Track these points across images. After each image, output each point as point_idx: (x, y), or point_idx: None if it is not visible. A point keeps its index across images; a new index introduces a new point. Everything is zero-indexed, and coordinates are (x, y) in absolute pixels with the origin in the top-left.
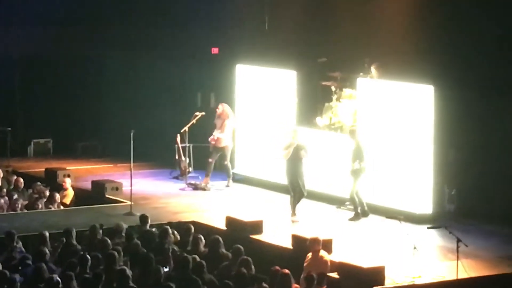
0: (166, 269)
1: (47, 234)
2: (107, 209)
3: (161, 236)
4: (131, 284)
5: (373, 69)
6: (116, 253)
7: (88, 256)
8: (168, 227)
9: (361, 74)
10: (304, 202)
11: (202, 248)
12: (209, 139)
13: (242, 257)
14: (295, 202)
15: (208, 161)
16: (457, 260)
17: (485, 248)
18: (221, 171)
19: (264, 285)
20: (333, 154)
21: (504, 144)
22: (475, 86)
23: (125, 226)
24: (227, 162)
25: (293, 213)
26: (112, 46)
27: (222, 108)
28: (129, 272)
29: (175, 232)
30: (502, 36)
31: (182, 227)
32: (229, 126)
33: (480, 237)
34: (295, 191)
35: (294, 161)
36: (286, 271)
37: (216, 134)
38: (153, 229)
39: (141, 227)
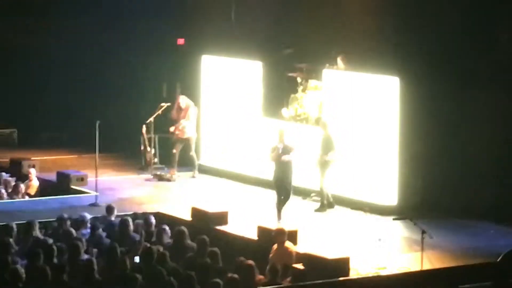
0: (137, 260)
1: (13, 225)
2: (72, 200)
3: (121, 226)
4: (96, 276)
5: (339, 60)
6: (80, 244)
7: (54, 246)
8: (128, 218)
9: (327, 65)
10: (270, 193)
11: (167, 239)
12: (171, 129)
13: (210, 249)
14: (280, 204)
15: (173, 152)
16: (422, 251)
17: (450, 240)
18: (187, 162)
19: (235, 275)
20: (299, 146)
21: (469, 136)
22: (441, 78)
23: (89, 216)
24: (192, 153)
25: (279, 217)
26: (78, 37)
27: (185, 101)
28: (95, 264)
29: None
30: (468, 28)
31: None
32: (193, 115)
33: (445, 229)
34: (280, 192)
35: (282, 161)
36: (250, 262)
37: (183, 123)
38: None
39: (107, 218)
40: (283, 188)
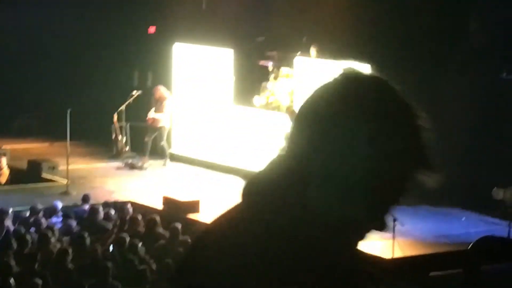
0: (111, 249)
1: None
2: (43, 188)
3: (91, 215)
4: (69, 264)
5: (312, 49)
6: (50, 233)
7: (27, 237)
8: (99, 206)
9: (299, 53)
10: (241, 181)
11: (138, 227)
12: (147, 118)
13: (181, 238)
14: None
15: (145, 140)
16: (393, 239)
17: (421, 227)
18: (159, 151)
19: None
20: (270, 133)
21: (441, 124)
22: (413, 65)
23: (61, 205)
24: (163, 143)
25: None
26: (49, 24)
27: (160, 91)
28: (70, 254)
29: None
30: (439, 15)
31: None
32: (168, 107)
33: (416, 217)
34: None
35: None
36: None
37: (154, 115)
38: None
39: (80, 207)
40: None
